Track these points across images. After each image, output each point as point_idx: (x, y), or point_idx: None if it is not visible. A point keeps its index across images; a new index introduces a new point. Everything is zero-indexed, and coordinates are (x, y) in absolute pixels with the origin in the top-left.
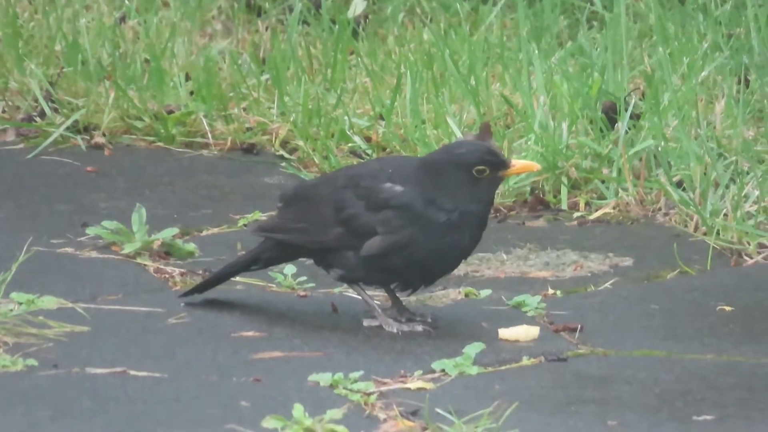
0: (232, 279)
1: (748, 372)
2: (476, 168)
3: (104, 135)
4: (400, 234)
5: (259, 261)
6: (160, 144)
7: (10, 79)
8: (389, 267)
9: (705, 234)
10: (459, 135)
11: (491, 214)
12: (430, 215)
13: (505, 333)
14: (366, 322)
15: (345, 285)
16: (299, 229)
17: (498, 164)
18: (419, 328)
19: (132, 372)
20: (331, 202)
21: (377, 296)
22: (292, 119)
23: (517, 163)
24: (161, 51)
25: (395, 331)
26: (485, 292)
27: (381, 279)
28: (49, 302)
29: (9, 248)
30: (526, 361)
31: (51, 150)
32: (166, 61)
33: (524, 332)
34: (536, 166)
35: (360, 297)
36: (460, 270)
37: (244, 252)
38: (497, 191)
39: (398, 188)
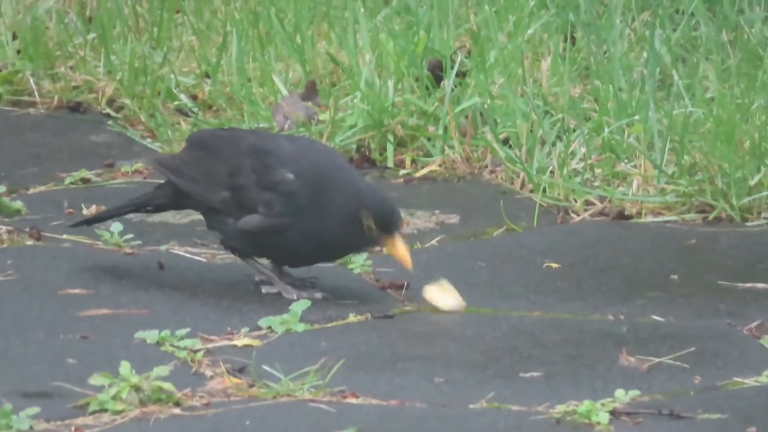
0: (59, 237)
1: (575, 329)
2: (366, 222)
3: None
4: (278, 220)
5: (151, 205)
6: None
7: None
8: (263, 246)
9: (531, 191)
10: (285, 93)
11: None
12: (311, 210)
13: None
14: (264, 289)
15: (172, 243)
16: (193, 178)
17: (385, 228)
18: (318, 295)
19: None
20: (229, 163)
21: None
22: (118, 78)
23: (400, 247)
24: None
25: (295, 297)
26: None
27: (254, 253)
28: None
29: None
30: (352, 318)
31: None
32: None
33: (452, 302)
34: (409, 264)
35: (253, 267)
36: None
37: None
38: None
39: (290, 176)
